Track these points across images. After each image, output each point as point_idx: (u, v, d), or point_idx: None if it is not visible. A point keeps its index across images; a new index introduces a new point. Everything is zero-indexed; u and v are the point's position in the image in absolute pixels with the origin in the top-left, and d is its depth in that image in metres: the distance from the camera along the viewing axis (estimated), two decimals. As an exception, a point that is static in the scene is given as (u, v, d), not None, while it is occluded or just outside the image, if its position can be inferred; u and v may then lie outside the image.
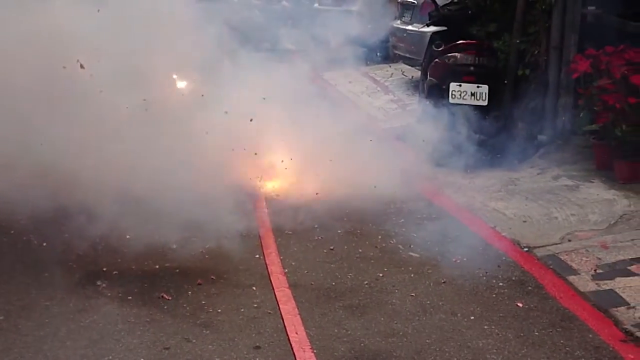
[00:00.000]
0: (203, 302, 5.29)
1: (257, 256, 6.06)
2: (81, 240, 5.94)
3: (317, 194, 7.18)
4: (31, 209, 6.23)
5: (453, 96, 8.43)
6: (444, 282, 5.74)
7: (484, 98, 8.46)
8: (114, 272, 5.61)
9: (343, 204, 7.09)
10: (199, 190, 6.53)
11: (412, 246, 6.42)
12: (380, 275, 5.85)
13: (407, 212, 7.13)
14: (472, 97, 8.44)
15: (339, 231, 6.60)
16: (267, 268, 5.87)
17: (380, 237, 6.57)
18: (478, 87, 8.44)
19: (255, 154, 7.19)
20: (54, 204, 6.29)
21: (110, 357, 4.55)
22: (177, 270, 5.71)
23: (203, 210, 6.30)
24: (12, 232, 6.17)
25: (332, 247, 6.34)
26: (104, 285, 5.44)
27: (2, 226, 6.17)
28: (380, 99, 11.92)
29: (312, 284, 5.64)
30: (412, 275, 5.87)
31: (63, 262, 5.69)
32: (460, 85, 8.44)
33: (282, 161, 7.37)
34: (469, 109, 8.40)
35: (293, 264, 5.96)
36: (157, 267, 5.74)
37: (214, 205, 6.43)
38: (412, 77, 12.59)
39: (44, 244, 5.99)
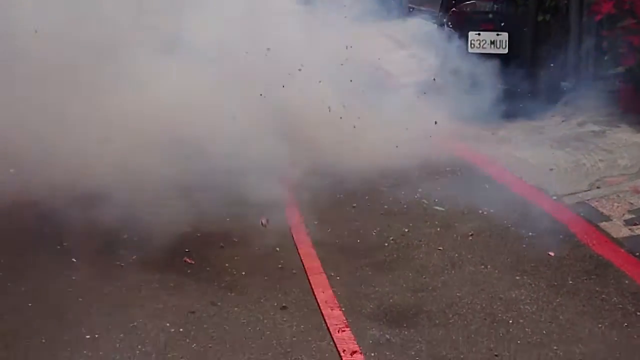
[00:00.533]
0: (227, 265, 5.19)
1: (279, 216, 5.93)
2: (101, 209, 5.83)
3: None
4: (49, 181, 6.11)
5: (472, 45, 8.22)
6: (471, 235, 5.59)
7: (504, 46, 8.24)
8: (135, 239, 5.50)
9: (365, 161, 6.94)
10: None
11: (436, 200, 6.28)
12: (406, 230, 5.71)
13: (431, 166, 6.97)
14: (492, 46, 8.22)
15: (362, 188, 6.44)
16: (290, 228, 5.75)
17: (404, 192, 6.43)
18: (497, 35, 8.21)
19: None
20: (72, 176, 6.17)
21: (136, 324, 4.45)
22: (199, 235, 5.59)
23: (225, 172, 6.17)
24: (31, 200, 6.06)
25: (354, 205, 6.20)
26: (125, 252, 5.34)
27: (21, 194, 6.02)
28: (398, 54, 11.69)
29: (336, 242, 5.52)
30: (438, 229, 5.74)
31: (83, 232, 5.58)
32: (479, 34, 8.22)
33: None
34: (489, 58, 8.16)
35: (316, 222, 5.83)
36: (179, 232, 5.62)
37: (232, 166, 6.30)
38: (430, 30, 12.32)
39: (64, 215, 5.88)
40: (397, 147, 7.04)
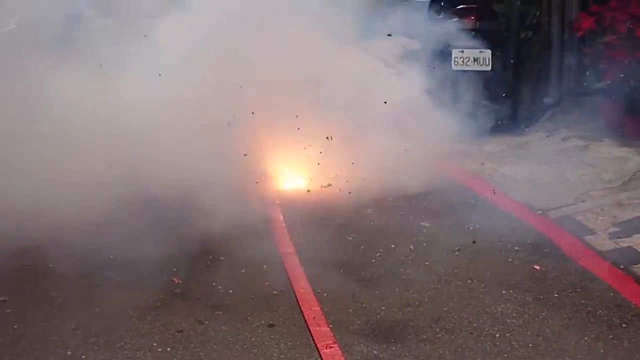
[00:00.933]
0: (214, 284, 5.18)
1: (266, 235, 5.93)
2: (85, 229, 5.82)
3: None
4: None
5: (456, 63, 8.28)
6: (457, 250, 5.62)
7: (487, 63, 8.31)
8: (120, 260, 5.48)
9: (349, 179, 6.96)
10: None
11: (422, 216, 6.30)
12: (393, 246, 5.73)
13: (416, 183, 6.99)
14: (475, 63, 8.29)
15: (349, 207, 6.46)
16: (276, 246, 5.75)
17: (391, 208, 6.45)
18: (481, 52, 8.29)
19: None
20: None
21: (123, 344, 4.43)
22: (186, 254, 5.58)
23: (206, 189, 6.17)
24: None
25: (341, 222, 6.22)
26: (110, 273, 5.32)
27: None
28: (382, 72, 11.73)
29: (323, 260, 5.52)
30: (424, 245, 5.76)
31: (68, 253, 5.56)
32: (462, 52, 8.29)
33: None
34: (473, 75, 8.24)
35: (303, 240, 5.84)
36: (165, 252, 5.60)
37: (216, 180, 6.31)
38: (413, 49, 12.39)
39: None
40: (382, 164, 7.06)
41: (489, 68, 8.28)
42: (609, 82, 7.51)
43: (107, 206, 6.00)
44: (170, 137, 6.42)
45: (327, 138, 6.70)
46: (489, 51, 8.26)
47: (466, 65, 8.29)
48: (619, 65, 7.36)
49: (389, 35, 6.25)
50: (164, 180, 6.21)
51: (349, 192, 6.64)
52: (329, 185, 6.80)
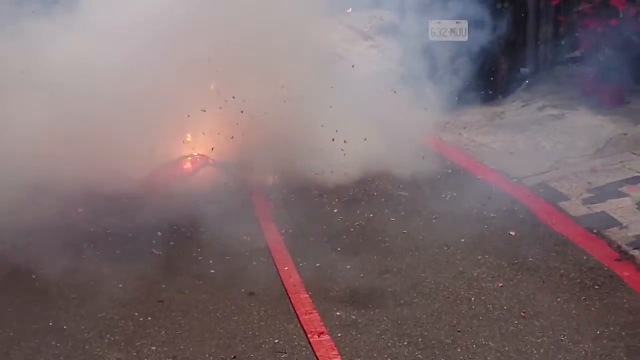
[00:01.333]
0: (194, 255, 5.23)
1: (246, 206, 5.98)
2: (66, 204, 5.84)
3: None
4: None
5: (433, 33, 8.29)
6: (435, 218, 5.70)
7: (464, 34, 8.32)
8: (102, 233, 5.52)
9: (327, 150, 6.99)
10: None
11: (400, 186, 6.37)
12: (371, 215, 5.80)
13: (395, 153, 7.04)
14: (452, 33, 8.31)
15: (328, 178, 6.49)
16: (256, 216, 5.80)
17: (369, 179, 6.50)
18: (457, 22, 8.29)
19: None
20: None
21: (104, 314, 4.49)
22: (166, 225, 5.61)
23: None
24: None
25: (320, 193, 6.26)
26: (92, 246, 5.35)
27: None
28: (360, 45, 11.73)
29: (302, 229, 5.58)
30: (402, 214, 5.84)
31: (50, 227, 5.57)
32: (439, 22, 8.30)
33: (266, 113, 7.16)
34: (450, 46, 8.26)
35: (282, 210, 5.89)
36: (145, 224, 5.62)
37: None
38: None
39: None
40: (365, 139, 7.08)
41: (465, 39, 8.29)
42: (583, 51, 7.58)
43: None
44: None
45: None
46: (466, 22, 8.27)
47: (443, 35, 8.30)
48: (593, 34, 7.43)
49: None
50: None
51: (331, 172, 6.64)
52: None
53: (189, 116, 6.20)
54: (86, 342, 4.22)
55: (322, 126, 6.43)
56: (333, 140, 6.34)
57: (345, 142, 6.37)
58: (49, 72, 6.15)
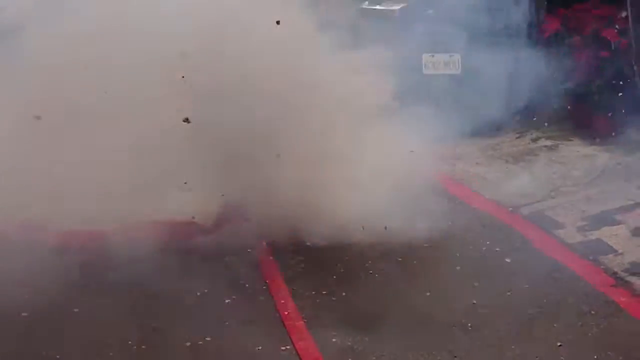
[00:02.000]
0: (188, 284, 5.19)
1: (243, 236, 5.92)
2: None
3: None
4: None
5: (426, 67, 8.37)
6: (429, 246, 5.68)
7: (457, 67, 8.41)
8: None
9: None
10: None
11: (396, 217, 6.35)
12: (366, 245, 5.77)
13: (390, 183, 7.04)
14: (446, 67, 8.39)
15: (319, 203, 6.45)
16: (253, 247, 5.76)
17: (362, 209, 6.47)
18: (451, 56, 8.38)
19: None
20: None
21: (97, 343, 4.45)
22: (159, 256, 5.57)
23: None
24: None
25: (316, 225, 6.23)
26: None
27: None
28: (355, 81, 11.82)
29: (298, 257, 5.55)
30: (398, 243, 5.79)
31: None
32: (432, 56, 8.39)
33: None
34: (444, 79, 8.34)
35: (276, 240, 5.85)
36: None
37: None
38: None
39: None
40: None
41: (458, 71, 8.38)
42: (575, 83, 7.65)
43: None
44: None
45: None
46: (459, 55, 8.36)
47: (436, 69, 8.38)
48: (585, 65, 7.51)
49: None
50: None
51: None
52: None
53: None
54: None
55: None
56: None
57: None
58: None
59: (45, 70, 6.04)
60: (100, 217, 5.68)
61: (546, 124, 8.16)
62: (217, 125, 5.94)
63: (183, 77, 5.76)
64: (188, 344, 4.42)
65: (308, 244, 5.74)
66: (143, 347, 4.41)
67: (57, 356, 4.32)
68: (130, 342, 4.44)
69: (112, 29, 6.02)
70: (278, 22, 5.86)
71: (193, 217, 5.87)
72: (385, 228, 5.68)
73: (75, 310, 4.85)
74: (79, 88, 5.94)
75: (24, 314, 4.76)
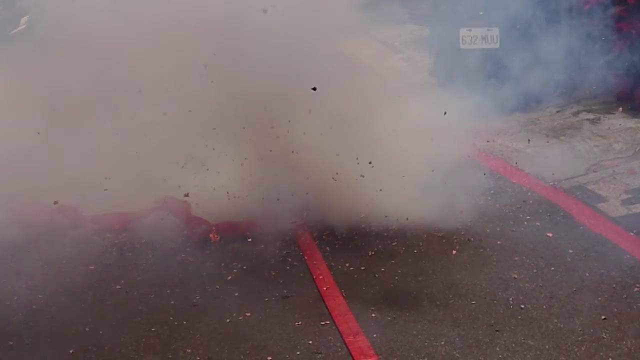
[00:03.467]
0: (228, 260, 5.22)
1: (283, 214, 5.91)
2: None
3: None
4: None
5: (464, 42, 8.26)
6: (470, 222, 5.62)
7: (495, 41, 8.28)
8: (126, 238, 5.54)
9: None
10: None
11: (437, 192, 6.29)
12: (407, 218, 5.73)
13: (428, 160, 6.98)
14: (484, 41, 8.27)
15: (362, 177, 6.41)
16: (291, 223, 5.76)
17: (403, 184, 6.42)
18: (488, 30, 8.26)
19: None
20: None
21: (140, 319, 4.50)
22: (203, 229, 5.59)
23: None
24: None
25: (354, 200, 6.21)
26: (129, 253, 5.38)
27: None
28: (391, 58, 11.75)
29: (336, 234, 5.53)
30: (438, 217, 5.74)
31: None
32: (470, 30, 8.27)
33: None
34: (482, 53, 8.22)
35: (315, 217, 5.83)
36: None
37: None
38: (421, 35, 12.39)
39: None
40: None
41: (497, 46, 8.25)
42: (618, 53, 7.48)
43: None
44: None
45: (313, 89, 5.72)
46: (497, 29, 8.23)
47: (474, 43, 8.26)
48: (627, 36, 7.34)
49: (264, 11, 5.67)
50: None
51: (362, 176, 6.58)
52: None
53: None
54: (122, 346, 4.23)
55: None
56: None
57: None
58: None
59: (68, 53, 6.10)
60: (131, 199, 5.72)
61: (588, 97, 8.03)
62: (250, 106, 5.94)
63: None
64: (228, 320, 4.44)
65: (346, 219, 5.73)
66: (184, 322, 4.43)
67: (100, 331, 4.37)
68: (171, 318, 4.48)
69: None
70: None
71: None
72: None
73: (117, 287, 4.90)
74: (104, 69, 5.98)
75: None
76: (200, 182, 5.68)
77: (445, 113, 6.41)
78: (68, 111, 5.99)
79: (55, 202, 5.63)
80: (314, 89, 5.64)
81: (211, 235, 5.04)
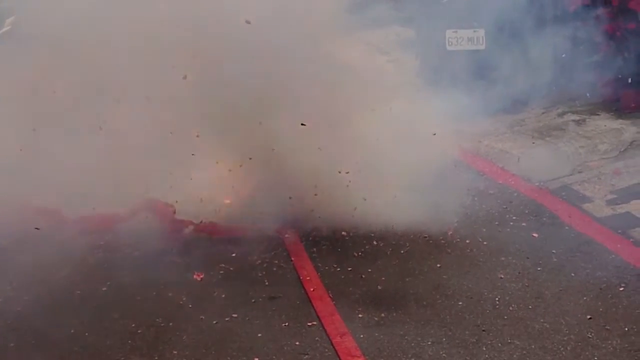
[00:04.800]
0: (214, 261, 5.20)
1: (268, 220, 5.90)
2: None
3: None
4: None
5: (450, 43, 8.29)
6: (456, 222, 5.63)
7: (481, 42, 8.31)
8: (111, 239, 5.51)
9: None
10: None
11: (422, 193, 6.30)
12: (393, 220, 5.73)
13: (414, 160, 6.99)
14: (470, 43, 8.30)
15: (348, 182, 6.44)
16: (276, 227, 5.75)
17: (388, 185, 6.44)
18: (474, 31, 8.29)
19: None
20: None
21: (126, 320, 4.47)
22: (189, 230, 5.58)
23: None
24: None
25: (340, 202, 6.21)
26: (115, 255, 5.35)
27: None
28: (377, 60, 11.74)
29: (323, 235, 5.53)
30: (423, 220, 5.76)
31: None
32: (456, 32, 8.30)
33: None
34: (467, 55, 8.25)
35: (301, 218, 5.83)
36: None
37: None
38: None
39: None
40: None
41: (482, 47, 8.28)
42: (602, 55, 7.52)
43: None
44: None
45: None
46: (483, 30, 8.27)
47: (460, 45, 8.29)
48: (612, 38, 7.38)
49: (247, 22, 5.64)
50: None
51: (347, 172, 6.60)
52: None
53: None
54: (108, 349, 4.21)
55: None
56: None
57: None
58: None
59: (53, 52, 6.06)
60: (115, 199, 5.68)
61: (572, 98, 8.07)
62: (240, 109, 5.91)
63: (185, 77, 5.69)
64: (215, 321, 4.43)
65: (332, 222, 5.73)
66: (171, 324, 4.42)
67: (86, 333, 4.35)
68: (158, 320, 4.46)
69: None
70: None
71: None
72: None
73: (103, 289, 4.88)
74: (87, 71, 5.95)
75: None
76: (185, 185, 5.66)
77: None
78: (51, 113, 5.96)
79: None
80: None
81: (195, 275, 5.03)
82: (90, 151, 5.81)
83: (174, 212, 5.58)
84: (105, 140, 5.82)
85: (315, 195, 5.56)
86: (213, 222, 5.58)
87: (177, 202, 5.53)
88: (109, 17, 6.01)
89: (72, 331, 4.37)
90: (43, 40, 6.12)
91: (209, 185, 5.73)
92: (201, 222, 5.52)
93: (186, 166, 5.76)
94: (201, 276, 4.99)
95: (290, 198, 5.58)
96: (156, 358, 4.11)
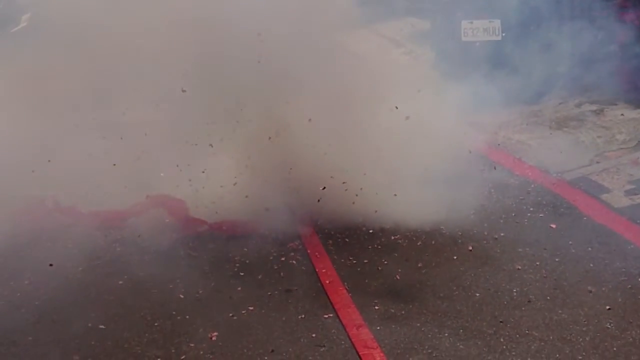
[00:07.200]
0: (230, 255, 5.20)
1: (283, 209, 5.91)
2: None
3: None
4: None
5: (465, 34, 8.23)
6: (473, 213, 5.60)
7: (497, 33, 8.25)
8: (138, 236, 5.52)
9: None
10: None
11: (439, 184, 6.27)
12: (409, 212, 5.70)
13: (431, 152, 6.95)
14: (485, 33, 8.23)
15: (364, 174, 6.42)
16: (293, 217, 5.74)
17: (405, 177, 6.41)
18: (490, 22, 8.22)
19: None
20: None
21: (142, 314, 4.48)
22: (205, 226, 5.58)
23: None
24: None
25: (356, 194, 6.19)
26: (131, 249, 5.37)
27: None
28: (393, 52, 11.71)
29: (338, 227, 5.51)
30: (440, 210, 5.72)
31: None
32: (471, 22, 8.24)
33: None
34: (483, 46, 8.19)
35: (317, 208, 5.81)
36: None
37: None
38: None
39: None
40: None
41: (499, 38, 8.21)
42: (621, 44, 7.44)
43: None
44: None
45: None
46: (498, 21, 8.20)
47: (475, 35, 8.23)
48: (630, 27, 7.29)
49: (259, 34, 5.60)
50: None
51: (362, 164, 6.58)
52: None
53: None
54: (125, 341, 4.22)
55: None
56: None
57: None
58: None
59: (67, 50, 6.09)
60: (128, 197, 5.69)
61: (590, 89, 7.99)
62: (251, 102, 5.90)
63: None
64: (231, 314, 4.43)
65: (348, 215, 5.71)
66: (187, 317, 4.42)
67: (103, 327, 4.36)
68: (174, 313, 4.47)
69: None
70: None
71: None
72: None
73: (120, 282, 4.89)
74: (101, 68, 5.97)
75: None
76: (200, 181, 5.66)
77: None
78: (64, 110, 5.99)
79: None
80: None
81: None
82: (104, 148, 5.84)
83: (188, 210, 5.58)
84: (120, 137, 5.85)
85: (324, 188, 5.52)
86: (227, 219, 5.58)
87: (190, 199, 5.53)
88: (125, 13, 6.05)
89: (89, 324, 4.39)
90: (59, 37, 6.17)
91: (220, 181, 5.73)
92: (214, 222, 5.52)
93: (198, 163, 5.78)
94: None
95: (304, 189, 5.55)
96: (173, 350, 4.11)
